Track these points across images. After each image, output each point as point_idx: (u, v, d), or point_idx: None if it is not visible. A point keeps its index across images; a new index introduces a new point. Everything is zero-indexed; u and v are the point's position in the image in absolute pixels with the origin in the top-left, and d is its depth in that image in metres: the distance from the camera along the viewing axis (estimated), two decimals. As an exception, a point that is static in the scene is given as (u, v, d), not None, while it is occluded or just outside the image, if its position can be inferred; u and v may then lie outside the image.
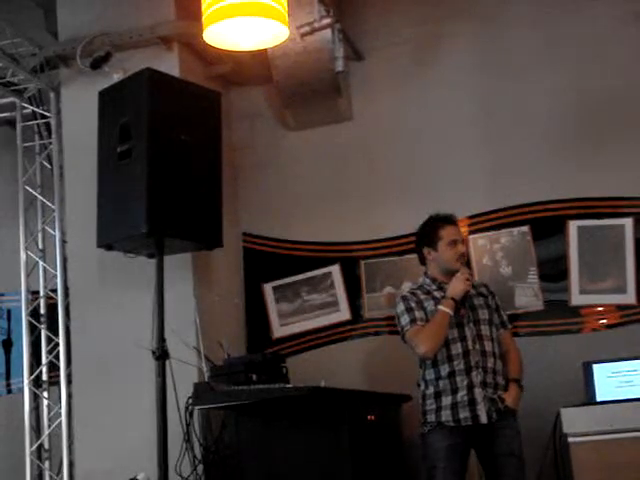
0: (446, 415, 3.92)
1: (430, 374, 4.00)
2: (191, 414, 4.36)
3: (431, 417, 3.97)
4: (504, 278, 4.86)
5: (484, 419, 3.88)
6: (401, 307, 4.06)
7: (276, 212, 5.30)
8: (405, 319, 4.03)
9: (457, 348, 3.95)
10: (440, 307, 3.94)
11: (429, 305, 4.01)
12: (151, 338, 4.20)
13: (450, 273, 4.04)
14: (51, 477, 5.03)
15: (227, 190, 4.61)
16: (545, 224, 4.87)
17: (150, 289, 4.26)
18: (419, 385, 4.08)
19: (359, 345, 5.08)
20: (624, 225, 4.77)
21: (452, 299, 3.93)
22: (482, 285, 4.20)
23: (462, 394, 3.91)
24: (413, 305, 4.03)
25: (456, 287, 3.95)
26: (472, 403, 3.89)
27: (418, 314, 4.00)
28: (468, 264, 4.79)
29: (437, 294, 4.05)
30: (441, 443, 3.92)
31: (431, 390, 3.99)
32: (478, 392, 3.90)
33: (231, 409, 4.24)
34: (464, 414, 3.90)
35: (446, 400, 3.94)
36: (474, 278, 4.68)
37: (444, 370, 3.96)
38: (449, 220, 4.10)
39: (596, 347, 4.59)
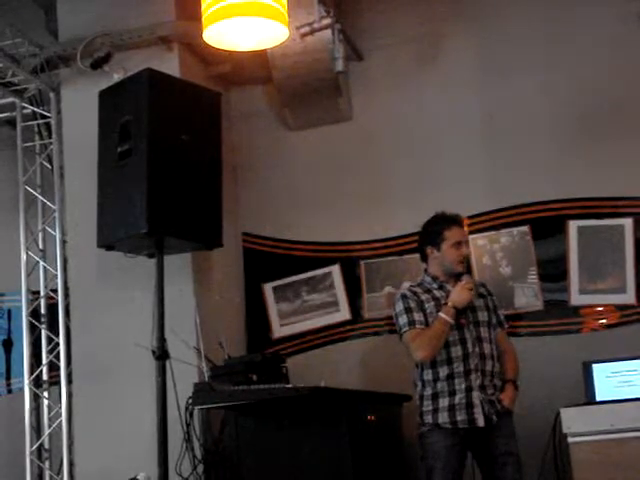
0: (443, 417, 3.92)
1: (428, 375, 4.00)
2: (191, 414, 4.36)
3: (428, 418, 3.97)
4: (504, 278, 4.86)
5: (481, 422, 3.88)
6: (400, 306, 4.05)
7: (276, 212, 5.30)
8: (404, 319, 4.01)
9: (457, 350, 3.95)
10: (441, 314, 3.93)
11: (429, 307, 4.00)
12: (151, 338, 4.21)
13: (451, 274, 4.04)
14: (51, 477, 5.04)
15: (227, 190, 4.61)
16: (545, 224, 4.86)
17: (150, 289, 4.27)
18: (416, 385, 4.07)
19: (359, 345, 5.08)
20: (624, 225, 4.77)
21: (454, 307, 3.93)
22: (481, 285, 4.19)
23: (460, 397, 3.91)
24: (412, 305, 4.01)
25: (460, 297, 3.93)
26: (470, 406, 3.89)
27: (417, 316, 3.99)
28: (468, 264, 4.80)
29: (437, 294, 4.04)
30: (439, 444, 3.92)
31: (429, 391, 3.99)
32: (476, 395, 3.90)
33: (231, 409, 4.24)
34: (461, 417, 3.90)
35: (443, 402, 3.94)
36: (474, 279, 4.70)
37: (443, 372, 3.95)
38: (455, 221, 4.08)
39: (596, 347, 4.59)
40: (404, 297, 4.06)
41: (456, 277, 4.02)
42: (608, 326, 4.74)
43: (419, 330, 3.97)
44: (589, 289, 4.77)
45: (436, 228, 4.08)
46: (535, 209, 4.88)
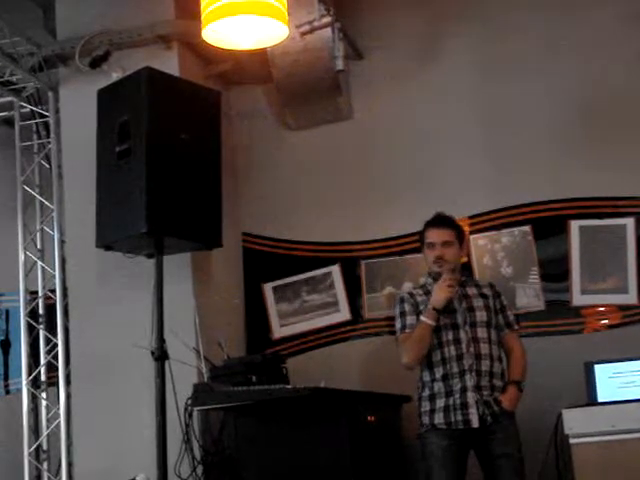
0: (439, 418, 3.93)
1: (426, 376, 4.02)
2: (190, 415, 4.34)
3: (426, 419, 3.99)
4: (505, 278, 4.84)
5: (476, 423, 3.88)
6: (396, 310, 4.11)
7: (276, 212, 5.28)
8: (398, 324, 4.08)
9: (451, 351, 3.95)
10: (422, 318, 3.95)
11: (424, 308, 4.01)
12: (150, 338, 4.19)
13: (434, 275, 4.06)
14: (49, 478, 5.01)
15: (227, 190, 4.59)
16: (546, 224, 4.85)
17: (149, 289, 4.25)
18: (418, 387, 4.09)
19: (359, 346, 5.07)
20: (625, 225, 4.76)
21: (434, 309, 3.93)
22: (487, 285, 4.18)
23: (455, 397, 3.91)
24: (407, 309, 4.05)
25: (437, 296, 3.94)
26: (464, 407, 3.89)
27: (409, 320, 4.03)
28: (469, 264, 4.80)
29: None
30: (436, 444, 3.93)
31: (427, 392, 4.01)
32: (471, 395, 3.90)
33: (231, 410, 4.23)
34: (456, 417, 3.90)
35: (440, 403, 3.95)
36: (476, 278, 4.69)
37: (438, 372, 3.97)
38: (431, 222, 4.12)
39: (598, 347, 4.57)
40: (401, 300, 4.11)
41: (440, 277, 4.01)
42: (610, 326, 4.73)
43: (407, 334, 4.01)
44: (591, 289, 4.75)
45: (422, 230, 4.16)
46: (536, 209, 4.87)
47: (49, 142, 5.21)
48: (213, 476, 4.36)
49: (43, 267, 5.19)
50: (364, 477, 4.07)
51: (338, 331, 5.12)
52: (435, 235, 4.08)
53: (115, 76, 4.68)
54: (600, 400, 4.19)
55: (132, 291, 4.61)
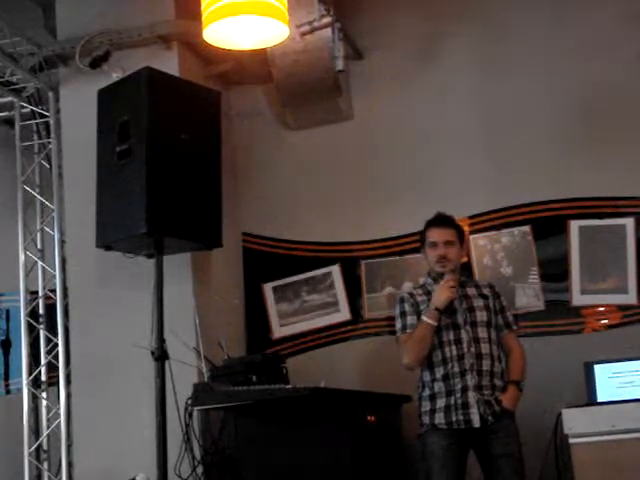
0: (439, 418, 3.94)
1: (427, 376, 4.02)
2: (190, 415, 4.34)
3: (426, 419, 3.99)
4: (505, 278, 4.84)
5: (477, 423, 3.88)
6: (397, 310, 4.12)
7: (276, 212, 5.28)
8: (398, 324, 4.08)
9: (452, 351, 3.96)
10: (423, 318, 3.96)
11: (424, 308, 4.01)
12: (150, 338, 4.19)
13: (436, 275, 4.05)
14: (50, 478, 5.01)
15: (227, 190, 4.59)
16: (546, 224, 4.85)
17: (149, 289, 4.25)
18: (418, 387, 4.09)
19: (359, 345, 5.07)
20: (625, 225, 4.76)
21: (436, 309, 3.93)
22: (487, 286, 4.18)
23: (456, 397, 3.91)
24: (407, 309, 4.06)
25: (440, 296, 3.95)
26: (465, 406, 3.90)
27: (410, 320, 4.03)
28: (469, 264, 4.80)
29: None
30: (436, 444, 3.93)
31: (427, 392, 4.01)
32: (472, 395, 3.90)
33: (231, 410, 4.23)
34: (457, 417, 3.90)
35: (440, 402, 3.95)
36: (476, 278, 4.69)
37: (439, 372, 3.97)
38: (433, 222, 4.13)
39: (597, 347, 4.57)
40: (401, 300, 4.12)
41: (441, 277, 4.02)
42: (610, 326, 4.72)
43: (408, 335, 4.01)
44: (591, 289, 4.75)
45: (423, 230, 4.16)
46: (536, 209, 4.87)
47: (49, 142, 5.21)
48: (213, 476, 4.36)
49: (43, 267, 5.19)
50: (364, 477, 4.07)
51: (338, 331, 5.12)
52: (437, 234, 4.08)
53: (115, 76, 4.68)
54: (600, 400, 4.19)
55: (132, 291, 4.62)
